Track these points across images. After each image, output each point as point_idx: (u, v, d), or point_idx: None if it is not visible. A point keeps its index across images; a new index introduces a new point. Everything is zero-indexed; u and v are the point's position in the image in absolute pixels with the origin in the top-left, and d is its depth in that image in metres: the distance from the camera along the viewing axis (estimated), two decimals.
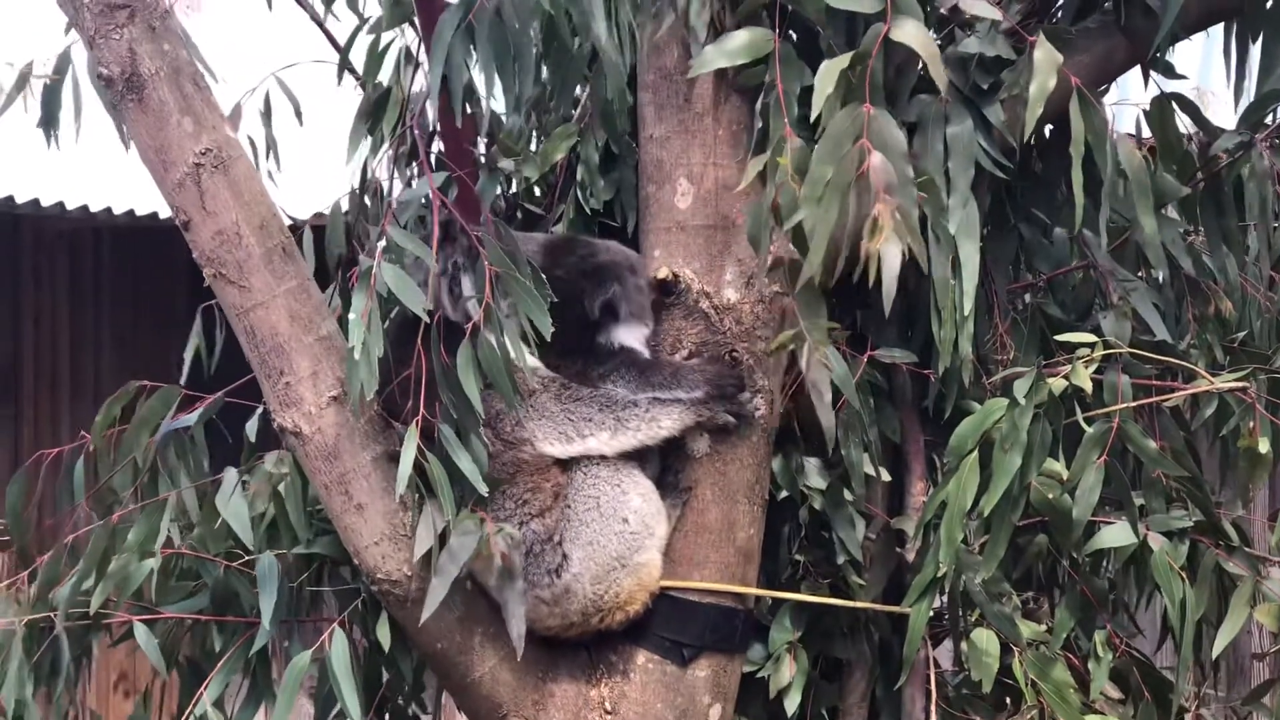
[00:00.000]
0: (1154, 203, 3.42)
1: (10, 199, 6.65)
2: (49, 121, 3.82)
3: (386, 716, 3.79)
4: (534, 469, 3.40)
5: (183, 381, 3.71)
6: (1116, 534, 3.38)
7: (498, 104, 3.80)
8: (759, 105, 3.27)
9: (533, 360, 3.31)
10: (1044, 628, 3.55)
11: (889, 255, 2.84)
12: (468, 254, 3.28)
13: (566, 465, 3.43)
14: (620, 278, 3.47)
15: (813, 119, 3.03)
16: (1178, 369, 3.62)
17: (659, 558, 3.46)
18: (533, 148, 3.95)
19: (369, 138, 3.85)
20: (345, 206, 4.04)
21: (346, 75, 4.03)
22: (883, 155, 2.89)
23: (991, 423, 3.22)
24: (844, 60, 3.05)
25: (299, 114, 4.15)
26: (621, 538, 3.40)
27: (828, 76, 3.03)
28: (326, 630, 3.29)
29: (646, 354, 3.48)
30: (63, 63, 3.78)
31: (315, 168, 5.48)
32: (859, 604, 3.59)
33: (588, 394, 3.41)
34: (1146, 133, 3.69)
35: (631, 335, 3.49)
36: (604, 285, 3.45)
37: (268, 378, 3.28)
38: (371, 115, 3.77)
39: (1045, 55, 3.19)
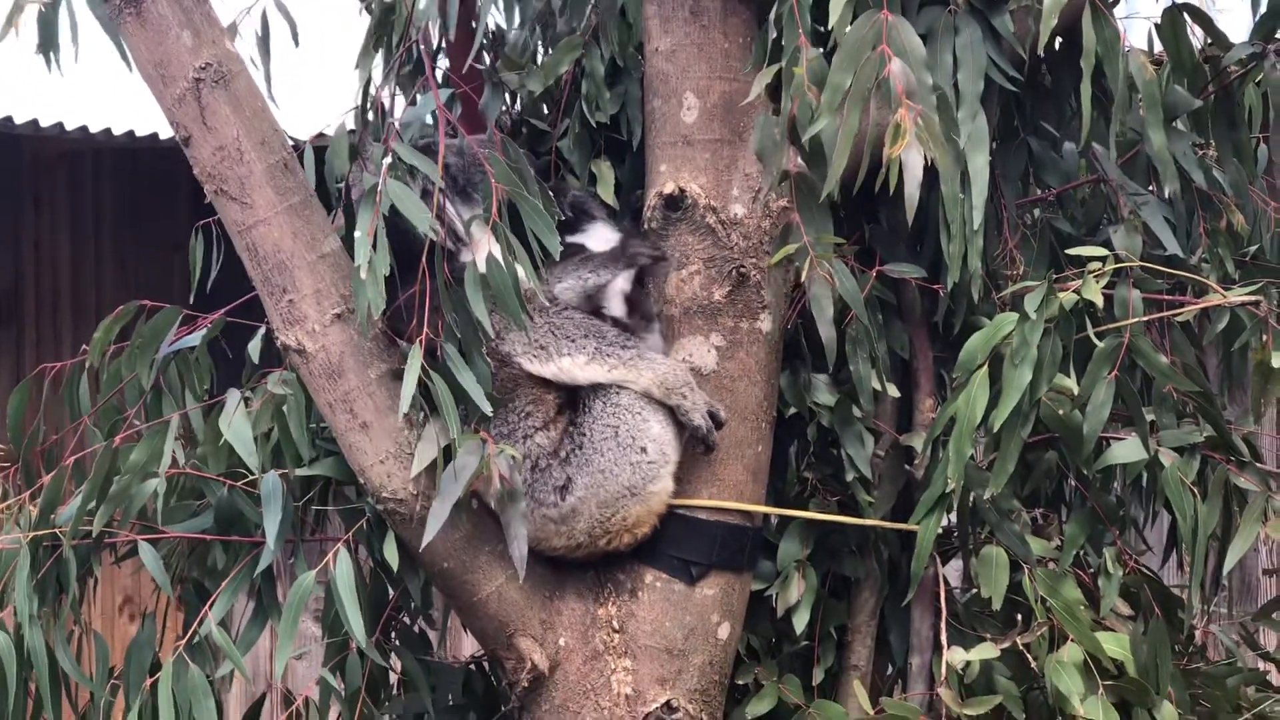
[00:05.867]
0: (1165, 116, 3.38)
1: (9, 119, 6.59)
2: (47, 46, 3.77)
3: (393, 635, 3.78)
4: (534, 381, 3.37)
5: (191, 300, 3.68)
6: (1127, 450, 3.36)
7: (500, 18, 3.75)
8: (773, 15, 3.22)
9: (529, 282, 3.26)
10: (1053, 544, 3.54)
11: (911, 162, 2.80)
12: (463, 172, 3.25)
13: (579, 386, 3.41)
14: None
15: (830, 26, 2.99)
16: (1189, 283, 3.59)
17: (671, 483, 3.44)
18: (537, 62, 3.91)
19: (378, 54, 3.80)
20: (350, 125, 4.00)
21: None
22: (902, 61, 2.86)
23: (1001, 337, 3.20)
24: None
25: (295, 36, 4.10)
26: (638, 468, 3.37)
27: None
28: (331, 550, 3.28)
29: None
30: None
31: (321, 87, 5.44)
32: (867, 521, 3.58)
33: (580, 317, 3.38)
34: (1158, 47, 3.65)
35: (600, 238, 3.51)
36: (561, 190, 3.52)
37: (270, 295, 3.25)
38: (377, 31, 3.72)
39: None
